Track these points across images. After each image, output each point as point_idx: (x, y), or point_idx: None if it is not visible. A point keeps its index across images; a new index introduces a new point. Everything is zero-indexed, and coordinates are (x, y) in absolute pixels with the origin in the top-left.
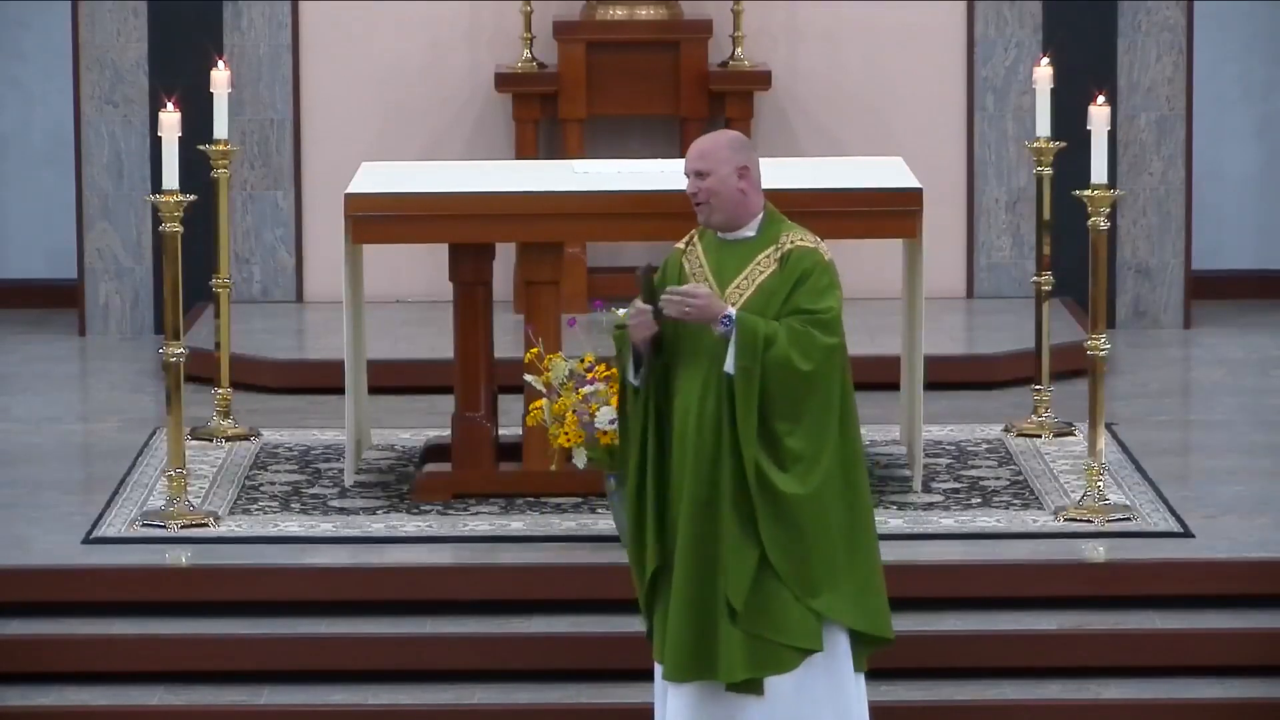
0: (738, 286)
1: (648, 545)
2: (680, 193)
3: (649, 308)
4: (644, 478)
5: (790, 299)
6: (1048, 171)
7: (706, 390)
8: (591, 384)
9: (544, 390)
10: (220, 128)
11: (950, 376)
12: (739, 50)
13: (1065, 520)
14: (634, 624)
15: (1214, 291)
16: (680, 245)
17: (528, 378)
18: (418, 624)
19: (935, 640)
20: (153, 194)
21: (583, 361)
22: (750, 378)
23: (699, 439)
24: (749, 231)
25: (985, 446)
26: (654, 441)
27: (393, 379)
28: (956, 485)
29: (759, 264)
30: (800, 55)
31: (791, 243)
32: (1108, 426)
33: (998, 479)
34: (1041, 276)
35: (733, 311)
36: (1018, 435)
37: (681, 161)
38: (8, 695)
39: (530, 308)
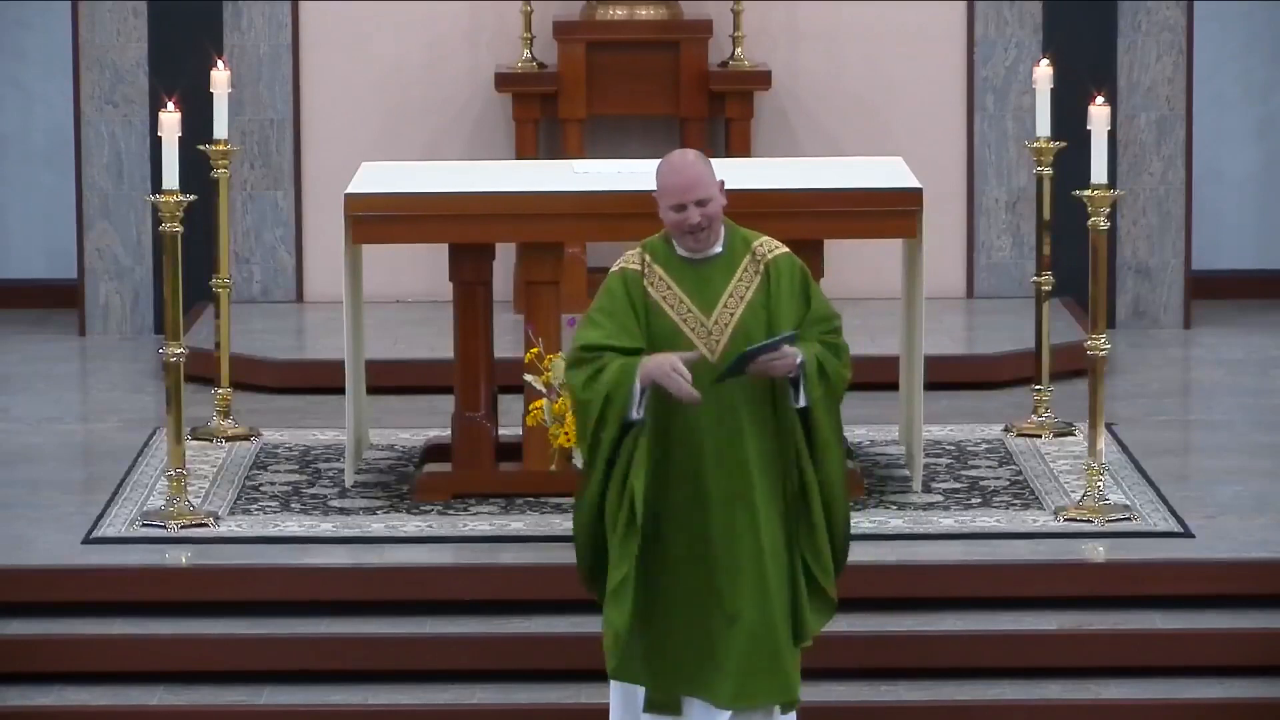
0: (725, 305)
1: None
2: None
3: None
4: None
5: (810, 311)
6: (1048, 171)
7: (722, 414)
8: None
9: (544, 390)
10: (220, 128)
11: (950, 376)
12: (739, 50)
13: (1065, 520)
14: None
15: (1214, 291)
16: (633, 267)
17: (528, 378)
18: (418, 624)
19: (935, 640)
20: (153, 194)
21: None
22: (832, 404)
23: (719, 469)
24: (717, 247)
25: (985, 446)
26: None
27: (393, 379)
28: (956, 485)
29: (742, 280)
30: (800, 55)
31: (769, 252)
32: (1108, 426)
33: (998, 479)
34: (1041, 276)
35: (800, 356)
36: (1018, 435)
37: None
38: (8, 695)
39: (530, 308)
